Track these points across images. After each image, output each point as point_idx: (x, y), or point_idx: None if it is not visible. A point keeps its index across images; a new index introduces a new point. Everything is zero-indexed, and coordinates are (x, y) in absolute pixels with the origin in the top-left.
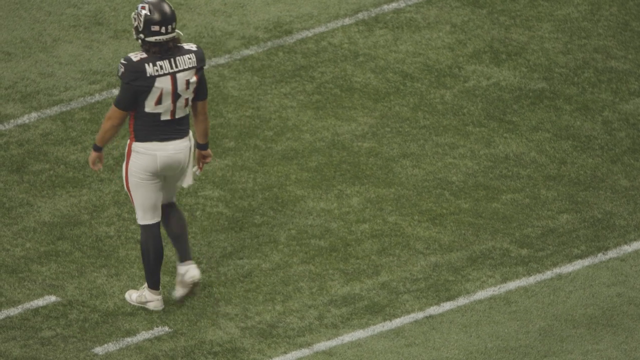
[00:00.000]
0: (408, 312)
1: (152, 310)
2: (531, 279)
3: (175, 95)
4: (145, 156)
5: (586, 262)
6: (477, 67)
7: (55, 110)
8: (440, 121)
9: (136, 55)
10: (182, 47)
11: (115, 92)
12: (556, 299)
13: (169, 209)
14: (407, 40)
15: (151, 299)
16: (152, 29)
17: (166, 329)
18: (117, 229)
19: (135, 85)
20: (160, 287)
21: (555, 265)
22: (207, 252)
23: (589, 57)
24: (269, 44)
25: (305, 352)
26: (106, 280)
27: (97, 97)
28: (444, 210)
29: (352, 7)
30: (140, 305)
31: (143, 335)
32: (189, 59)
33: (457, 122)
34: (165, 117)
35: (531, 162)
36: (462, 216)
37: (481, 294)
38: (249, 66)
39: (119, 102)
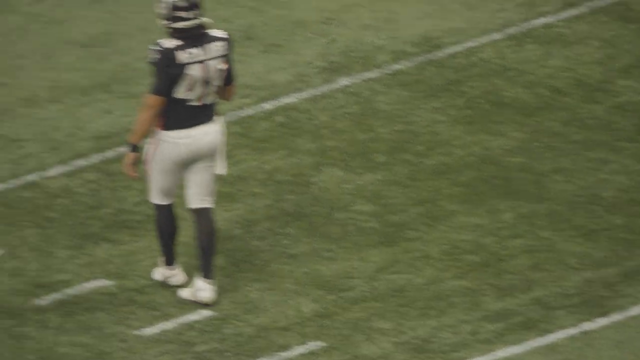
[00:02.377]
0: (562, 328)
1: (174, 285)
2: None
3: (206, 83)
4: (172, 145)
5: None
6: (628, 82)
7: None
8: (592, 136)
9: (167, 42)
10: (210, 34)
11: (267, 105)
12: None
13: (202, 217)
14: (557, 55)
15: (169, 275)
16: (177, 15)
17: (319, 343)
18: (269, 243)
19: (169, 72)
20: (175, 262)
21: None
22: (360, 267)
23: None
24: (419, 58)
25: None
26: (259, 294)
27: (248, 111)
28: (597, 226)
29: (502, 22)
30: (165, 280)
31: (297, 349)
32: (219, 45)
33: (609, 138)
34: (194, 102)
35: None
36: (615, 232)
37: (635, 310)
38: (399, 80)
39: (157, 89)
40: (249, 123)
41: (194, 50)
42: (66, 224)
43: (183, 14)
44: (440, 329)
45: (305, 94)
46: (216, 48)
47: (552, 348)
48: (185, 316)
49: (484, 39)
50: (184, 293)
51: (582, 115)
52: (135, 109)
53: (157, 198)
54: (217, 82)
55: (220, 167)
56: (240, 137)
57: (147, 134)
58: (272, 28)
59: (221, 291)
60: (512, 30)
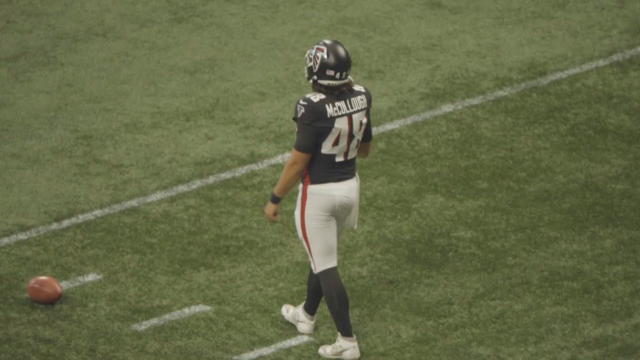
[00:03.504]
0: None
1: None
2: None
3: (350, 136)
4: (324, 197)
5: None
6: None
7: None
8: None
9: (315, 97)
10: (353, 89)
11: None
12: None
13: (330, 278)
14: None
15: (346, 347)
16: (327, 73)
17: None
18: (369, 269)
19: (317, 126)
20: (353, 333)
21: None
22: (460, 293)
23: None
24: (523, 85)
25: None
26: (358, 320)
27: None
28: None
29: (607, 49)
30: (336, 357)
31: None
32: (361, 99)
33: None
34: (340, 158)
35: None
36: None
37: None
38: (502, 107)
39: (301, 145)
40: None
41: (340, 104)
42: (166, 249)
43: (332, 72)
44: (539, 356)
45: (407, 121)
46: (358, 102)
47: None
48: (284, 342)
49: (588, 66)
50: (327, 350)
51: None
52: (236, 135)
53: (320, 264)
54: (359, 136)
55: (354, 220)
56: None
57: (290, 189)
58: (376, 54)
59: (319, 316)
60: (616, 57)
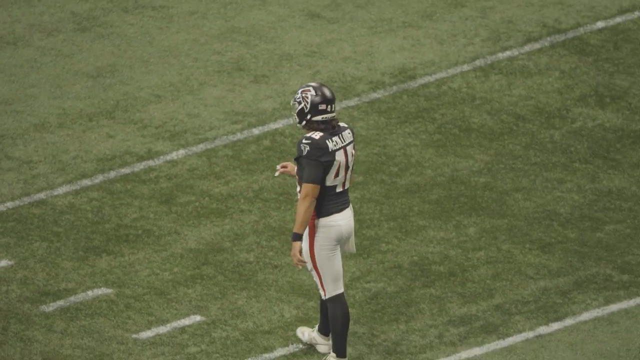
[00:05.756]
0: (519, 332)
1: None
2: (632, 302)
3: (347, 167)
4: (332, 228)
5: None
6: (583, 110)
7: (200, 147)
8: (550, 158)
9: (315, 134)
10: (339, 125)
11: (255, 131)
12: None
13: (341, 300)
14: (520, 85)
15: None
16: (320, 108)
17: (300, 346)
18: (256, 255)
19: (323, 160)
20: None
21: None
22: None
23: None
24: (394, 88)
25: None
26: (246, 301)
27: (239, 136)
28: (553, 239)
29: (470, 55)
30: None
31: (279, 351)
32: (348, 133)
33: (565, 160)
34: (339, 188)
35: (632, 196)
36: (569, 245)
37: (586, 315)
38: (376, 108)
39: (311, 178)
40: (240, 146)
41: (336, 139)
42: (71, 237)
43: (324, 107)
44: (409, 333)
45: (290, 120)
46: (347, 135)
47: (510, 350)
48: (178, 321)
49: (454, 71)
50: None
51: (541, 140)
52: (135, 133)
53: (331, 289)
54: (351, 165)
55: (353, 246)
56: (231, 159)
57: (307, 221)
58: (261, 60)
59: (210, 298)
60: (479, 63)
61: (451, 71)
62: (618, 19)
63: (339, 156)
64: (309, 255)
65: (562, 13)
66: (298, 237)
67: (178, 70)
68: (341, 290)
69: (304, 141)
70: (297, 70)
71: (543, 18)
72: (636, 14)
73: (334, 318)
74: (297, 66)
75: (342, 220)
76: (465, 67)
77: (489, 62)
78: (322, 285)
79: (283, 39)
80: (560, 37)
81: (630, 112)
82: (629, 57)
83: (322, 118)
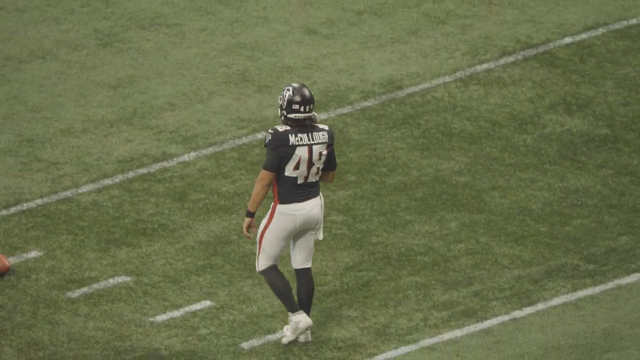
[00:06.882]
0: (496, 316)
1: (306, 327)
2: (597, 289)
3: (310, 164)
4: (288, 216)
5: None
6: (553, 117)
7: (210, 150)
8: (523, 160)
9: (281, 127)
10: (317, 126)
11: (259, 135)
12: (617, 305)
13: (304, 276)
14: (496, 94)
15: (298, 320)
16: (293, 107)
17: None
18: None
19: (280, 151)
20: (298, 307)
21: (616, 277)
22: (333, 266)
23: None
24: (384, 97)
25: (412, 347)
26: (251, 288)
27: (244, 140)
28: (526, 233)
29: (451, 67)
30: (296, 332)
31: (281, 333)
32: (323, 135)
33: (537, 161)
34: (300, 180)
35: (597, 194)
36: (540, 237)
37: (556, 301)
38: (367, 115)
39: (267, 165)
40: (245, 150)
41: (301, 135)
42: (94, 231)
43: (297, 107)
44: (397, 316)
45: None
46: (320, 136)
47: (488, 332)
48: (190, 306)
49: (437, 82)
50: (287, 333)
51: (515, 143)
52: (151, 138)
53: (262, 265)
54: (318, 164)
55: (320, 234)
56: (238, 161)
57: (260, 203)
58: (264, 72)
59: (219, 285)
60: (459, 74)
61: (434, 82)
62: (584, 35)
63: (300, 151)
64: (261, 229)
65: (534, 30)
66: (248, 214)
67: (190, 81)
68: (272, 264)
69: (269, 130)
70: (296, 81)
71: (516, 34)
72: (600, 30)
73: (272, 285)
74: (296, 77)
75: (302, 210)
76: (447, 79)
77: (468, 73)
78: (257, 259)
79: (284, 53)
80: (532, 52)
81: (595, 118)
82: (593, 69)
83: (295, 117)
